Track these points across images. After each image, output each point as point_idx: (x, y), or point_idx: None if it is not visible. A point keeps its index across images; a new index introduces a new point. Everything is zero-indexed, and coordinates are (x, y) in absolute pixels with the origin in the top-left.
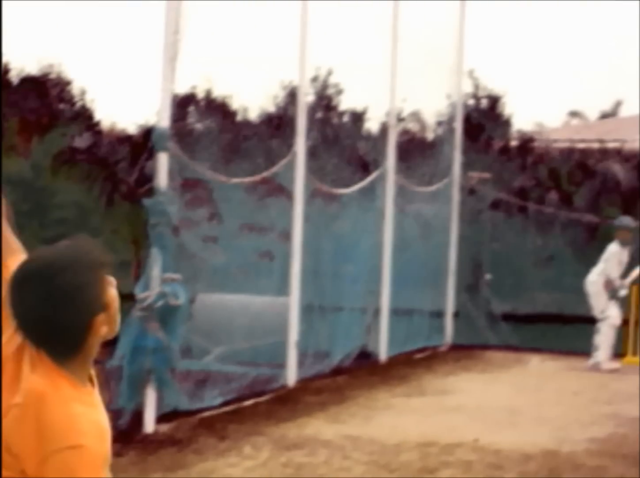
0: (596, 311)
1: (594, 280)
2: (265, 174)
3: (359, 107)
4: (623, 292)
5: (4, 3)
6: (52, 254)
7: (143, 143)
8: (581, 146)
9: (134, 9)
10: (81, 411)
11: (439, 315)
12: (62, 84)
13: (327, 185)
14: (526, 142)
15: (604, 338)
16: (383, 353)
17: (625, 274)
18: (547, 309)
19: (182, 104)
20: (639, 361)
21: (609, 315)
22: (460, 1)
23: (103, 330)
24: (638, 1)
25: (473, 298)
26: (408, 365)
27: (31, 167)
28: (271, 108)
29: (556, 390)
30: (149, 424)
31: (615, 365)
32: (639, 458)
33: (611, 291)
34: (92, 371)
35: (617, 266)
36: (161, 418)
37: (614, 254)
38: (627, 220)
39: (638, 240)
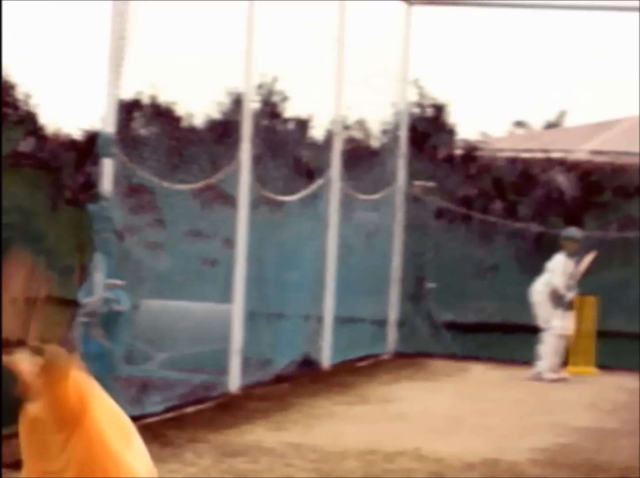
0: (540, 321)
1: (540, 290)
2: (209, 180)
3: (304, 114)
4: (570, 294)
5: None
6: None
7: (88, 148)
8: (526, 156)
9: (80, 14)
10: None
11: (382, 323)
12: (6, 88)
13: (271, 192)
14: (471, 151)
15: (547, 348)
16: (326, 360)
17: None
18: (490, 318)
19: (127, 110)
20: (580, 370)
21: (554, 325)
22: (406, 10)
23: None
24: (582, 11)
25: (416, 306)
26: (351, 373)
27: None
28: (216, 115)
29: (498, 399)
30: None
31: (557, 375)
32: (579, 468)
33: (557, 300)
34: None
35: (563, 277)
36: None
37: (560, 265)
38: (574, 231)
39: (584, 251)
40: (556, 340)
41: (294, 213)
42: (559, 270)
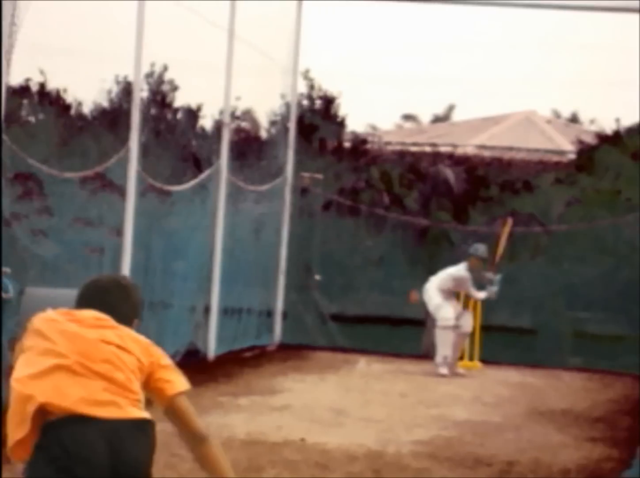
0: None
1: (434, 288)
2: (97, 169)
3: (193, 104)
4: (493, 289)
5: None
6: None
7: None
8: (414, 149)
9: None
10: None
11: (268, 314)
12: None
13: (160, 182)
14: (359, 144)
15: (438, 340)
16: (211, 351)
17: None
18: (375, 310)
19: (16, 96)
20: (465, 365)
21: (441, 316)
22: (298, 2)
23: None
24: (473, 6)
25: (303, 298)
26: (236, 363)
27: None
28: (105, 103)
29: (383, 391)
30: None
31: (448, 370)
32: (462, 461)
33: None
34: None
35: (472, 287)
36: None
37: (466, 280)
38: (482, 249)
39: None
40: (445, 333)
41: (182, 203)
42: (467, 283)
